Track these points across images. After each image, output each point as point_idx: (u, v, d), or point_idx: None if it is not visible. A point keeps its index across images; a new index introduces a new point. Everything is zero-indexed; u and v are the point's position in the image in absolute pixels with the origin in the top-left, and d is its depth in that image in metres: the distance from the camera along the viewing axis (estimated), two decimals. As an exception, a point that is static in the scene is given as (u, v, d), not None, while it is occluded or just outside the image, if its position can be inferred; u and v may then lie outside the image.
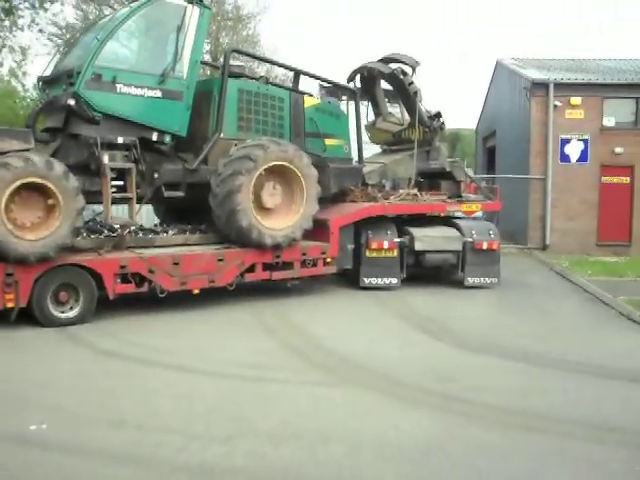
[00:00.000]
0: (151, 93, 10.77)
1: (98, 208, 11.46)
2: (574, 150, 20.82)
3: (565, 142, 20.79)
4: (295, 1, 76.38)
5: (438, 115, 15.48)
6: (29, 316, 9.70)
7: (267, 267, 11.83)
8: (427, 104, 15.50)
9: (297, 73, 13.45)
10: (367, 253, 13.21)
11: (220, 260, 11.12)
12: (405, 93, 15.25)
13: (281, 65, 14.76)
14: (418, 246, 13.39)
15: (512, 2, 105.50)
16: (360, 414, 6.59)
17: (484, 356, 8.89)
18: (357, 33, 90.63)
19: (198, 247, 11.49)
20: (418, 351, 9.09)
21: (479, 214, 16.10)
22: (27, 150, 9.74)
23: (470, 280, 13.77)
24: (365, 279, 13.27)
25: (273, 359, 8.54)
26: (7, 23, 24.55)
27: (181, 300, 11.12)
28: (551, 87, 20.61)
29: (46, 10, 24.39)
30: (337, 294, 13.16)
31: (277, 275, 11.99)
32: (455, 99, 74.20)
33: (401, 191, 14.48)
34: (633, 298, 12.52)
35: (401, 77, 15.05)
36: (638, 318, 11.09)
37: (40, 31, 25.10)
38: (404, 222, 13.99)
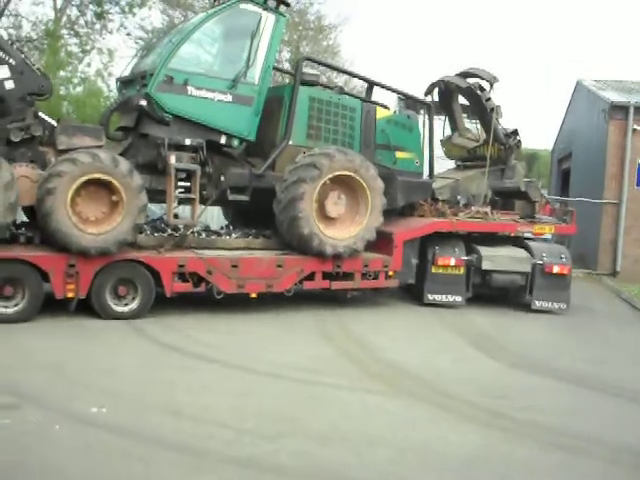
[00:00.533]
0: (222, 97, 10.98)
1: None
2: (652, 176, 20.20)
3: (643, 167, 20.22)
4: (377, 13, 76.68)
5: (515, 133, 15.24)
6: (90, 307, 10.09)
7: (327, 276, 11.83)
8: (505, 121, 15.33)
9: (370, 84, 13.47)
10: (433, 269, 13.06)
11: (279, 266, 11.19)
12: (481, 109, 15.07)
13: (355, 75, 14.81)
14: (485, 265, 13.18)
15: (595, 22, 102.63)
16: (409, 423, 6.74)
17: (537, 377, 8.88)
18: (437, 46, 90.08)
19: (259, 252, 11.60)
20: (473, 368, 9.13)
21: (548, 236, 15.73)
22: (98, 147, 10.10)
23: (538, 304, 13.46)
24: (429, 295, 13.13)
25: (330, 365, 8.70)
26: (98, 27, 25.57)
27: (244, 302, 11.31)
28: (631, 110, 20.04)
29: (134, 15, 25.35)
30: (400, 308, 13.13)
31: (337, 285, 11.96)
32: (535, 118, 72.88)
33: (473, 208, 14.29)
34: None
35: (478, 92, 14.93)
36: None
37: (128, 34, 26.14)
38: (475, 240, 13.81)
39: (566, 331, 12.17)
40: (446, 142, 16.33)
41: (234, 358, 8.61)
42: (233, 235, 12.02)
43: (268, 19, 11.35)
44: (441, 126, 16.07)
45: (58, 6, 25.56)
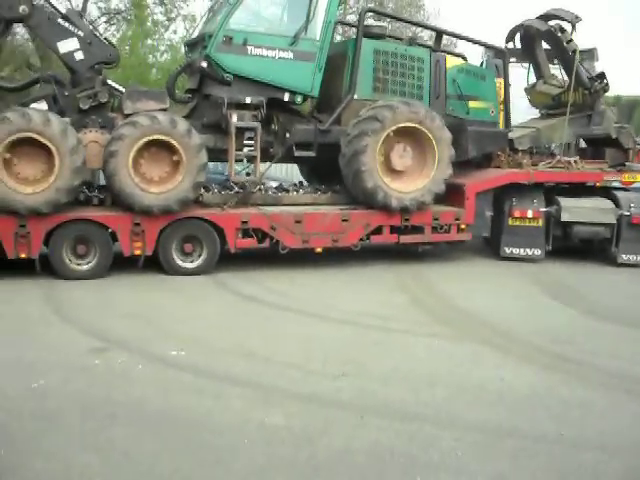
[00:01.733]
0: (283, 54, 11.92)
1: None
2: None
3: None
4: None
5: (601, 76, 15.30)
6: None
7: (395, 230, 12.61)
8: (606, 67, 15.31)
9: (439, 33, 14.16)
10: (509, 221, 13.62)
11: (345, 220, 12.09)
12: (563, 52, 15.25)
13: (419, 25, 15.47)
14: (565, 217, 13.58)
15: None
16: (470, 365, 7.61)
17: (609, 324, 9.50)
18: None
19: (325, 207, 12.51)
20: (545, 315, 9.90)
21: (639, 185, 15.94)
22: (163, 110, 11.36)
23: (624, 257, 13.79)
24: (506, 249, 13.72)
25: (400, 312, 9.72)
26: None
27: (322, 257, 12.40)
28: None
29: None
30: (476, 261, 13.95)
31: (405, 239, 12.75)
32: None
33: (558, 157, 14.60)
34: None
35: (559, 34, 15.08)
36: None
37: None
38: (560, 191, 14.22)
39: (649, 283, 12.52)
40: (531, 90, 16.62)
41: (308, 306, 9.76)
42: (301, 191, 13.01)
43: (328, -26, 12.02)
44: (525, 74, 16.41)
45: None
